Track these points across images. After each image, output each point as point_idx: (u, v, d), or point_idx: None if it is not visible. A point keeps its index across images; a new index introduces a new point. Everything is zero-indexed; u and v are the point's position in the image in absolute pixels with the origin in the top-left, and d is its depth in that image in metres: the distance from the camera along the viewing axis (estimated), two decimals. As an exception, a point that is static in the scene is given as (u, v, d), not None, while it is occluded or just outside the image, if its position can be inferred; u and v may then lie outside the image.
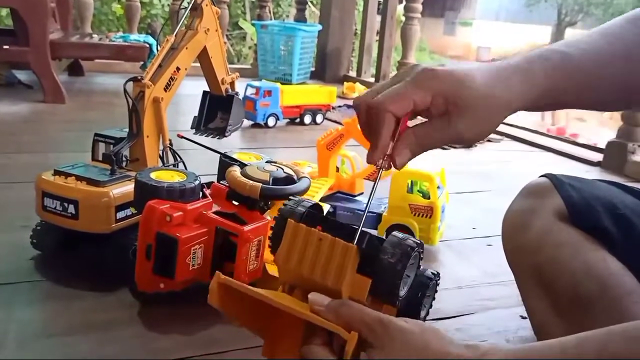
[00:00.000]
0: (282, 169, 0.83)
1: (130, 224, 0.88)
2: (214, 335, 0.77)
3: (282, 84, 2.24)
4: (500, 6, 14.10)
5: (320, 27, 3.31)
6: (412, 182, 1.10)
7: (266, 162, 0.87)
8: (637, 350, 0.40)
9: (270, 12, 3.58)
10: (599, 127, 6.74)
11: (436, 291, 0.66)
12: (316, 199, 1.06)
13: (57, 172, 0.89)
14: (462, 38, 13.43)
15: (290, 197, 0.59)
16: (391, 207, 1.11)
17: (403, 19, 2.90)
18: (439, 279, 0.66)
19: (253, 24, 3.95)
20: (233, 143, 1.70)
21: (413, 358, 0.47)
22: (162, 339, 0.75)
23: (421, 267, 0.60)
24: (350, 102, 3.01)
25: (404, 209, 1.10)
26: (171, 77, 0.99)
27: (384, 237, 0.54)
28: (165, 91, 0.99)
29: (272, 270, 0.80)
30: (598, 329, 0.42)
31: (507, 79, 0.54)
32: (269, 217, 0.82)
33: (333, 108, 2.38)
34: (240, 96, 1.20)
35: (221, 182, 0.86)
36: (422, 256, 0.55)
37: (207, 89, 1.16)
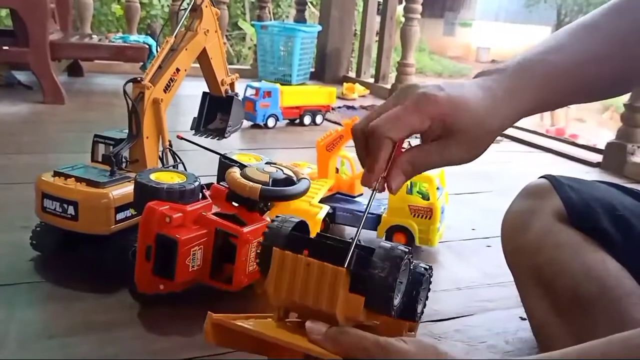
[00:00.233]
0: (282, 170, 0.84)
1: (130, 225, 0.88)
2: (213, 337, 0.77)
3: (281, 84, 2.24)
4: (499, 7, 14.10)
5: (319, 27, 3.31)
6: (411, 183, 1.11)
7: (266, 163, 0.87)
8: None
9: (269, 13, 3.58)
10: (599, 128, 6.75)
11: (430, 282, 0.66)
12: (316, 200, 1.06)
13: (56, 173, 0.89)
14: (461, 39, 13.43)
15: (275, 219, 0.58)
16: (390, 208, 1.11)
17: (403, 19, 2.90)
18: (431, 272, 0.65)
19: (253, 25, 3.95)
20: (233, 144, 1.70)
21: None
22: (162, 340, 0.75)
23: (413, 263, 0.60)
24: (350, 103, 3.01)
25: (403, 210, 1.10)
26: (171, 78, 0.99)
27: (373, 247, 0.53)
28: (165, 92, 0.99)
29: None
30: (599, 339, 0.42)
31: (494, 100, 0.55)
32: (268, 219, 0.82)
33: (333, 109, 2.38)
34: (240, 97, 1.20)
35: (221, 183, 0.87)
36: (412, 260, 0.55)
37: (207, 90, 1.16)
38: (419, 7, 2.81)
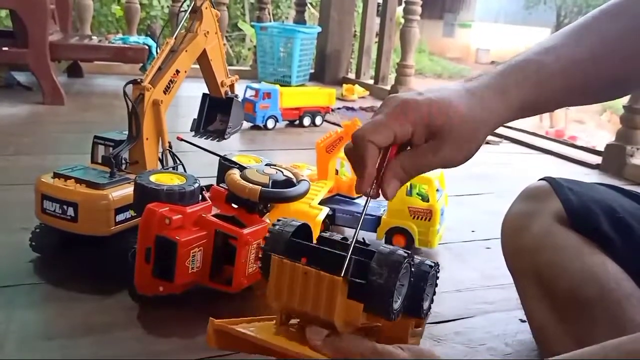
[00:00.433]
0: (282, 172, 0.84)
1: (129, 227, 0.88)
2: (213, 338, 0.77)
3: (281, 85, 2.24)
4: (499, 8, 14.10)
5: (319, 28, 3.32)
6: (411, 185, 1.11)
7: (265, 164, 0.87)
8: None
9: (269, 14, 3.59)
10: (598, 130, 6.75)
11: (438, 278, 0.66)
12: (315, 202, 1.06)
13: (56, 175, 0.89)
14: (461, 40, 13.42)
15: (278, 220, 0.59)
16: (390, 210, 1.11)
17: (402, 20, 2.91)
18: (438, 269, 0.65)
19: (252, 26, 3.95)
20: (232, 145, 1.70)
21: None
22: (162, 342, 0.75)
23: (418, 260, 0.59)
24: (350, 104, 3.00)
25: (403, 212, 1.10)
26: (171, 80, 1.00)
27: (373, 250, 0.53)
28: (165, 94, 0.99)
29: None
30: (593, 345, 0.42)
31: (482, 99, 0.55)
32: (268, 220, 0.82)
33: (332, 110, 2.38)
34: (240, 98, 1.20)
35: (220, 184, 0.87)
36: (413, 262, 0.55)
37: (207, 91, 1.17)
38: (419, 9, 2.81)
